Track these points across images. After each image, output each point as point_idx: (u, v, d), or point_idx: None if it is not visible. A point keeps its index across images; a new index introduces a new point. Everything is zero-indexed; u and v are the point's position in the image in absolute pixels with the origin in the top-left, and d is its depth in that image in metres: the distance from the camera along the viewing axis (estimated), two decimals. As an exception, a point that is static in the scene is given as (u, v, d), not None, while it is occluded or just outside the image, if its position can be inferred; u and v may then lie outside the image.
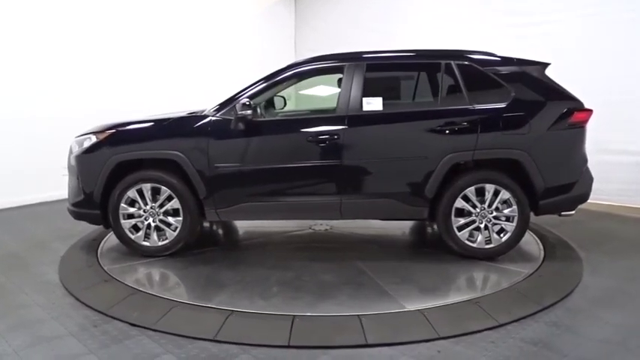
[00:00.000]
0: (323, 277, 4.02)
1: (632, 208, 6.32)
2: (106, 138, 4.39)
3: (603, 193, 6.06)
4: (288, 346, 3.01)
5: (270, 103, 5.04)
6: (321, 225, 5.48)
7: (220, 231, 5.67)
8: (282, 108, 5.42)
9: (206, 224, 5.71)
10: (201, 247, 4.83)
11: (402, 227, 5.47)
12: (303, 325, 3.22)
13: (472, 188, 4.28)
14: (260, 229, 5.47)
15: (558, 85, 4.38)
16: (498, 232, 4.36)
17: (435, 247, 4.70)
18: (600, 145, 5.86)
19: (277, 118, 4.75)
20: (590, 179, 4.44)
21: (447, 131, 4.24)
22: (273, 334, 3.13)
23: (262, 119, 4.44)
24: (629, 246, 5.02)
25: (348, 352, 2.97)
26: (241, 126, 4.29)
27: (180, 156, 4.29)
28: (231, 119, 4.30)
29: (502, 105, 4.28)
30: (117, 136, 4.41)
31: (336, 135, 4.24)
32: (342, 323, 3.25)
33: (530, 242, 4.87)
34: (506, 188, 4.26)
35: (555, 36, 6.69)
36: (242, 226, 5.66)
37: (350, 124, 4.27)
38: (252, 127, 4.31)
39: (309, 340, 3.06)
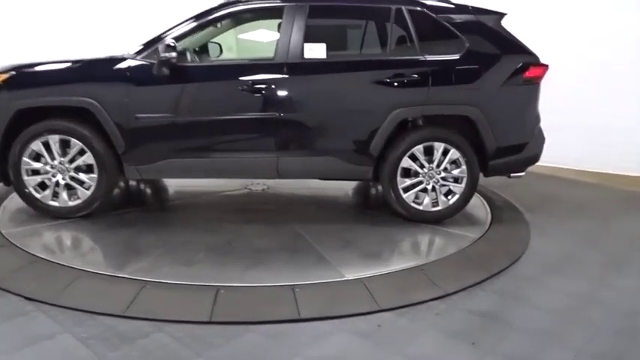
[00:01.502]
0: (256, 242, 3.63)
1: (579, 171, 6.24)
2: (3, 81, 3.75)
3: (550, 156, 5.90)
4: (210, 322, 2.63)
5: (204, 50, 4.50)
6: (258, 184, 5.07)
7: (148, 190, 5.16)
8: (218, 57, 4.88)
9: (132, 182, 5.18)
10: (122, 207, 4.33)
11: (344, 188, 5.13)
12: (228, 298, 2.83)
13: (420, 147, 3.96)
14: (191, 189, 5.00)
15: (514, 37, 4.07)
16: (446, 194, 4.09)
17: (380, 210, 4.39)
18: (550, 106, 5.66)
19: (206, 63, 4.22)
20: (542, 140, 4.22)
21: (396, 84, 3.87)
22: (194, 308, 2.73)
23: (189, 64, 3.91)
24: (576, 209, 4.90)
25: (278, 327, 2.62)
26: (165, 71, 3.75)
27: (94, 104, 3.73)
28: (153, 63, 3.75)
29: (455, 57, 3.94)
30: (17, 79, 3.78)
31: (273, 84, 3.79)
32: (274, 295, 2.89)
33: (477, 205, 4.65)
34: (456, 147, 3.96)
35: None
36: (172, 184, 5.16)
37: (289, 73, 3.82)
38: (178, 73, 3.79)
39: (233, 315, 2.69)
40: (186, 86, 3.81)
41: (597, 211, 4.89)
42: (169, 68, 3.75)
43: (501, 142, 4.02)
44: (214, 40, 4.56)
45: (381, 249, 3.59)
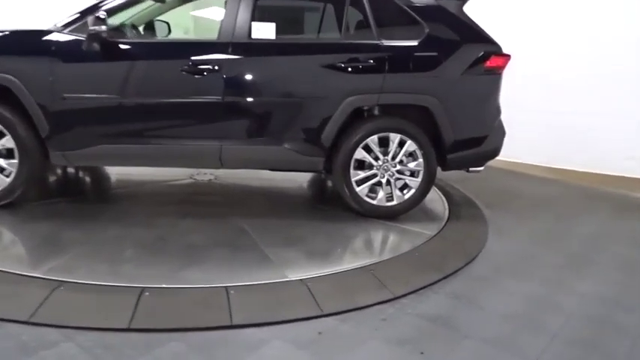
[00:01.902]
0: (193, 237, 3.32)
1: (537, 167, 6.13)
2: None
3: (509, 150, 5.76)
4: (128, 329, 2.31)
5: (150, 28, 4.14)
6: (205, 174, 4.74)
7: (88, 178, 4.77)
8: (166, 36, 4.51)
9: (70, 169, 4.78)
10: (53, 197, 3.95)
11: (298, 180, 4.86)
12: (153, 301, 2.53)
13: (375, 137, 3.71)
14: (135, 178, 4.64)
15: (476, 24, 3.85)
16: (401, 189, 3.87)
17: (333, 205, 4.13)
18: (510, 101, 5.50)
19: (143, 40, 3.86)
20: (503, 133, 4.02)
21: (350, 69, 3.60)
22: (112, 313, 2.42)
23: (122, 40, 3.54)
24: (534, 205, 4.75)
25: (206, 335, 2.33)
26: (96, 47, 3.38)
27: (13, 81, 3.34)
28: (83, 38, 3.37)
29: (414, 43, 3.70)
30: None
31: (216, 65, 3.47)
32: (205, 298, 2.59)
33: (434, 200, 4.45)
34: (413, 139, 3.73)
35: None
36: (115, 172, 4.78)
37: (234, 53, 3.51)
38: (110, 50, 3.43)
39: (156, 321, 2.38)
40: (120, 65, 3.46)
41: (558, 209, 4.75)
42: (100, 44, 3.38)
43: (460, 134, 3.82)
44: (162, 18, 4.20)
45: (330, 247, 3.33)
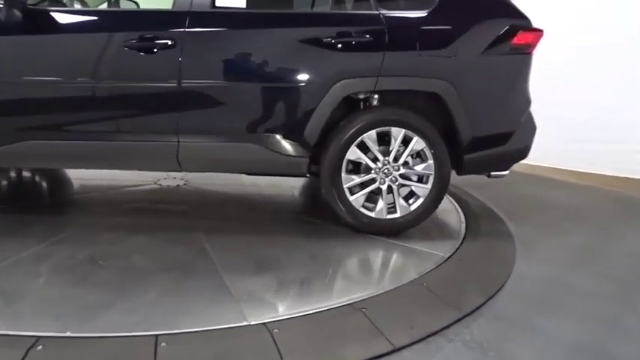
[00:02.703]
0: (135, 259, 2.58)
1: (560, 170, 5.32)
2: None
3: (534, 152, 4.96)
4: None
5: None
6: (174, 178, 3.99)
7: (44, 183, 4.06)
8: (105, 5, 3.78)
9: (26, 173, 4.09)
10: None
11: (288, 185, 4.10)
12: (46, 358, 1.77)
13: (372, 133, 2.94)
14: (94, 182, 3.93)
15: (499, -9, 3.07)
16: (407, 197, 3.09)
17: (326, 217, 3.33)
18: (535, 96, 4.72)
19: (75, 8, 3.11)
20: (533, 129, 3.24)
21: (340, 46, 2.84)
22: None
23: (50, 9, 2.81)
24: (564, 217, 3.95)
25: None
26: (15, 17, 2.66)
27: None
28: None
29: (421, 13, 2.94)
30: None
31: (170, 40, 2.73)
32: (123, 352, 1.83)
33: (448, 211, 3.66)
34: (421, 135, 2.95)
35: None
36: (77, 176, 4.05)
37: (192, 26, 2.77)
38: (35, 21, 2.71)
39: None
40: (47, 39, 2.73)
41: (592, 220, 3.95)
42: (22, 14, 2.66)
43: (480, 129, 3.04)
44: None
45: (312, 274, 2.56)
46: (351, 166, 3.03)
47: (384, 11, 2.91)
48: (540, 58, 3.25)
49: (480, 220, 3.55)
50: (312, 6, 3.55)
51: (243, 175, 3.74)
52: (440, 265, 2.76)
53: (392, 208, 3.07)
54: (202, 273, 2.46)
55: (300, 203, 4.00)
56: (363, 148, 2.97)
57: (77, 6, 3.03)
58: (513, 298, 2.52)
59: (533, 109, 3.20)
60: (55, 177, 4.11)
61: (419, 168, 3.03)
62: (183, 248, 2.73)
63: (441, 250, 2.93)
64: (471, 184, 4.27)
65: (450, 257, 2.86)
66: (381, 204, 3.04)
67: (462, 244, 3.07)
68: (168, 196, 3.71)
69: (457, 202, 3.86)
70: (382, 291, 2.40)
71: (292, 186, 4.14)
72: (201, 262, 2.59)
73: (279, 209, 3.62)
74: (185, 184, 3.90)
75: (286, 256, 2.72)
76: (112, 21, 2.86)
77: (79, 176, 4.07)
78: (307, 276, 2.51)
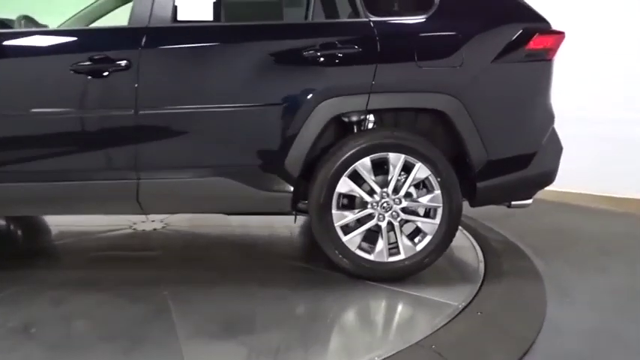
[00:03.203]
0: (78, 324, 2.13)
1: (601, 197, 4.74)
2: None
3: (561, 176, 4.42)
4: None
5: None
6: (153, 221, 3.54)
7: (18, 230, 3.67)
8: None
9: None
10: None
11: (286, 225, 3.59)
12: None
13: (366, 160, 2.48)
14: (70, 229, 3.52)
15: (510, -11, 2.64)
16: (412, 236, 2.60)
17: (321, 262, 2.81)
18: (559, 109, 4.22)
19: (17, 29, 2.73)
20: (558, 149, 2.74)
21: (323, 59, 2.41)
22: None
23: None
24: (601, 251, 3.38)
25: None
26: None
27: None
28: None
29: (419, 19, 2.50)
30: None
31: (124, 61, 2.33)
32: None
33: (463, 249, 3.15)
34: (424, 160, 2.48)
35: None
36: (55, 222, 3.64)
37: (150, 44, 2.37)
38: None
39: None
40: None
41: (634, 255, 3.37)
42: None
43: (495, 151, 2.57)
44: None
45: (289, 338, 2.06)
46: (345, 201, 2.57)
47: (374, 18, 2.48)
48: (564, 64, 2.80)
49: (502, 259, 3.02)
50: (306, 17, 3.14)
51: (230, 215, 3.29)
52: (454, 318, 2.24)
53: (394, 249, 2.57)
54: (156, 341, 1.99)
55: (295, 246, 3.51)
56: (357, 178, 2.51)
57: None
58: (548, 360, 1.99)
59: (558, 125, 2.72)
60: (31, 223, 3.71)
61: (424, 200, 2.54)
62: (142, 307, 2.27)
63: (455, 298, 2.41)
64: (490, 216, 3.75)
65: (465, 308, 2.34)
66: (380, 244, 2.55)
67: (480, 289, 2.55)
68: (142, 241, 3.26)
69: (474, 238, 3.33)
70: (381, 358, 1.89)
71: (288, 226, 3.65)
72: (159, 325, 2.12)
73: (267, 253, 3.12)
74: (164, 227, 3.45)
75: (264, 313, 2.24)
76: (57, 41, 2.48)
77: (60, 222, 3.65)
78: (285, 341, 2.01)
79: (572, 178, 4.45)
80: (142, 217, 3.55)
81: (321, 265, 2.74)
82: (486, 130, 2.52)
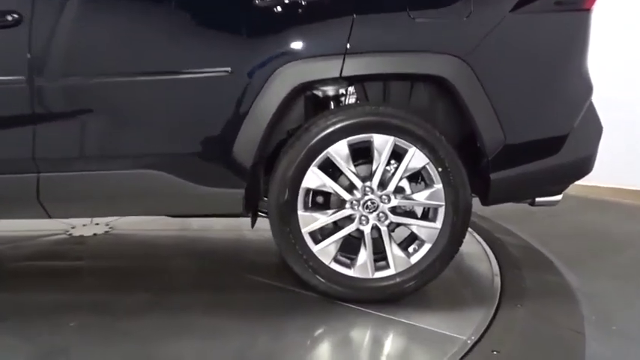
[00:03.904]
0: None
1: (628, 191, 4.07)
2: None
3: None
4: None
5: None
6: (97, 224, 2.94)
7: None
8: None
9: None
10: None
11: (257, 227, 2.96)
12: None
13: (342, 145, 1.85)
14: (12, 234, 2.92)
15: None
16: (405, 244, 1.98)
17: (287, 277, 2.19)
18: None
19: None
20: (597, 130, 2.10)
21: (279, 8, 1.79)
22: None
23: None
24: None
25: None
26: None
27: None
28: None
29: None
30: None
31: (12, 14, 1.73)
32: None
33: (474, 257, 2.51)
34: (420, 144, 1.85)
35: None
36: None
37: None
38: None
39: None
40: None
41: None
42: None
43: (515, 132, 1.94)
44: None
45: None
46: (320, 199, 1.95)
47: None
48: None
49: (523, 271, 2.38)
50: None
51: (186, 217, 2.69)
52: (463, 358, 1.61)
53: (382, 262, 1.95)
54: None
55: (263, 256, 2.84)
56: (330, 169, 1.89)
57: None
58: None
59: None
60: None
61: (421, 197, 1.91)
62: (36, 347, 1.66)
63: (462, 330, 1.78)
64: (507, 216, 3.12)
65: (477, 344, 1.71)
66: (363, 256, 1.93)
67: (495, 316, 1.91)
68: (70, 251, 2.66)
69: (487, 243, 2.69)
70: None
71: (261, 229, 3.02)
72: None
73: (225, 266, 2.49)
74: (107, 233, 2.84)
75: (197, 356, 1.62)
76: None
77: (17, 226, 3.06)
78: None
79: (600, 169, 3.77)
80: (85, 220, 2.96)
81: (293, 282, 2.11)
82: (503, 103, 1.90)
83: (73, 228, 2.87)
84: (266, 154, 1.99)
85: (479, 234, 2.81)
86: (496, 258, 2.48)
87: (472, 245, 2.60)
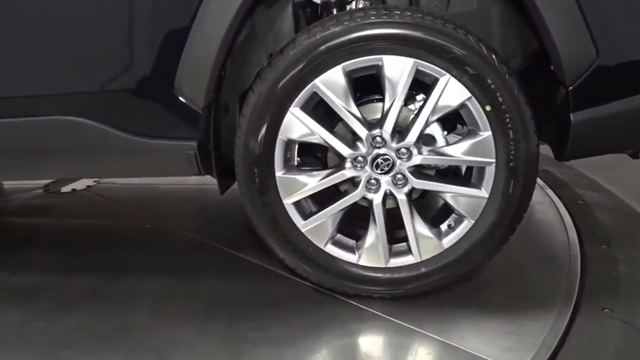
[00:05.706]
0: None
1: None
2: None
3: None
4: None
5: None
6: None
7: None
8: None
9: None
10: None
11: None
12: None
13: (336, 72, 1.21)
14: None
15: None
16: (435, 221, 1.35)
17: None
18: None
19: None
20: None
21: None
22: None
23: None
24: None
25: None
26: None
27: None
28: None
29: None
30: None
31: None
32: None
33: (541, 226, 1.83)
34: (459, 69, 1.18)
35: None
36: None
37: None
38: None
39: None
40: None
41: None
42: None
43: (613, 48, 1.22)
44: None
45: None
46: (298, 153, 1.35)
47: None
48: None
49: (614, 248, 1.68)
50: None
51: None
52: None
53: (401, 244, 1.34)
54: None
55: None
56: (320, 109, 1.27)
57: None
58: None
59: None
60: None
61: (458, 150, 1.26)
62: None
63: (520, 346, 1.16)
64: (594, 161, 2.36)
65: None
66: (372, 236, 1.32)
67: (571, 325, 1.27)
68: (40, 209, 2.24)
69: (564, 205, 1.99)
70: None
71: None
72: None
73: (216, 238, 1.94)
74: (89, 188, 2.38)
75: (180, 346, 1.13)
76: None
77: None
78: None
79: None
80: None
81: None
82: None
83: (55, 182, 2.45)
84: (237, 91, 1.40)
85: (552, 189, 2.11)
86: (576, 229, 1.78)
87: (540, 207, 1.92)
